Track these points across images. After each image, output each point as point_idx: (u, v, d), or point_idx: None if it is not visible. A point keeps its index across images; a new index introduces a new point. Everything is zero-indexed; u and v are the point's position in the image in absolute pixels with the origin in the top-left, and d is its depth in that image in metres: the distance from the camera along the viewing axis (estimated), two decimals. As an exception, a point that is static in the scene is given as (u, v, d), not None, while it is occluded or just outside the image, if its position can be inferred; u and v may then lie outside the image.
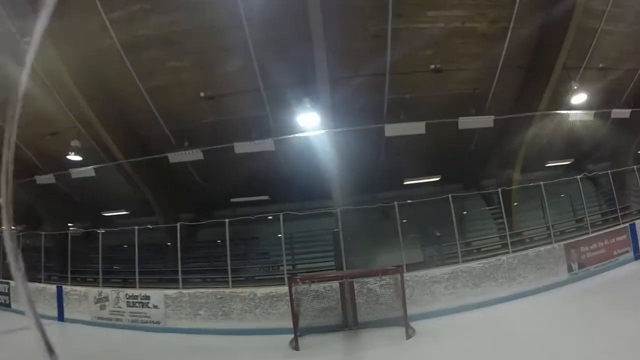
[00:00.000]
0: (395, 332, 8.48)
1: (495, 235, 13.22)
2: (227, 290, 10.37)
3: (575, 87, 12.02)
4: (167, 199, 14.95)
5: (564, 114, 12.97)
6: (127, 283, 13.02)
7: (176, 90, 11.69)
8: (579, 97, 12.37)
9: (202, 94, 11.55)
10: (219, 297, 10.30)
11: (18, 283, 1.50)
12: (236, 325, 9.98)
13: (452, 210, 10.41)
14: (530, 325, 7.87)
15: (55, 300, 13.01)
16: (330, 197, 12.05)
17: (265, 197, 14.85)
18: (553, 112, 12.78)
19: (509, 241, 10.75)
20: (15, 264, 1.45)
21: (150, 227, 13.15)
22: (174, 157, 12.43)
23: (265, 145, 11.18)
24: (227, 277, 10.80)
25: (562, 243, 11.29)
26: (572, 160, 16.91)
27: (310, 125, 10.78)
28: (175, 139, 12.72)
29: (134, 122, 12.85)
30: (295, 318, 8.41)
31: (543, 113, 12.51)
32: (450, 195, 10.53)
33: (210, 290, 10.53)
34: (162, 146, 12.84)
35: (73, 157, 12.88)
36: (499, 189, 11.41)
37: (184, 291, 10.87)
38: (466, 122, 11.53)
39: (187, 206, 15.77)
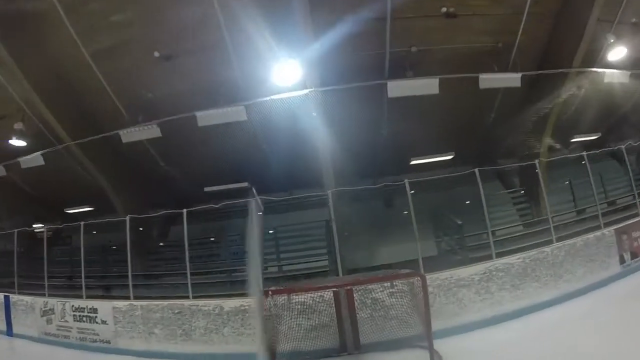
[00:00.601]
0: (412, 357, 6.15)
1: (522, 223, 11.06)
2: (187, 303, 7.95)
3: (612, 41, 10.21)
4: (129, 190, 12.68)
5: (599, 72, 10.85)
6: (73, 291, 10.91)
7: (125, 51, 9.42)
8: (617, 52, 10.39)
9: (156, 54, 9.28)
10: (176, 311, 7.90)
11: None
12: (199, 348, 7.69)
13: (481, 188, 7.99)
14: (596, 341, 5.52)
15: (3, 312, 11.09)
16: (321, 177, 9.63)
17: (244, 184, 12.48)
18: (586, 69, 10.70)
19: (552, 226, 8.39)
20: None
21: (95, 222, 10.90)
22: (127, 136, 10.31)
23: (234, 114, 8.82)
24: (188, 285, 8.35)
25: (611, 228, 9.05)
26: (599, 134, 14.73)
27: (290, 84, 8.37)
28: (129, 113, 10.47)
29: (80, 96, 10.70)
30: (270, 345, 5.89)
31: (578, 70, 10.42)
32: (477, 170, 8.14)
33: (165, 303, 8.14)
34: (115, 123, 10.60)
35: (16, 141, 11.10)
36: (536, 161, 9.02)
37: (136, 303, 8.54)
38: (489, 80, 9.30)
39: (154, 198, 13.45)
